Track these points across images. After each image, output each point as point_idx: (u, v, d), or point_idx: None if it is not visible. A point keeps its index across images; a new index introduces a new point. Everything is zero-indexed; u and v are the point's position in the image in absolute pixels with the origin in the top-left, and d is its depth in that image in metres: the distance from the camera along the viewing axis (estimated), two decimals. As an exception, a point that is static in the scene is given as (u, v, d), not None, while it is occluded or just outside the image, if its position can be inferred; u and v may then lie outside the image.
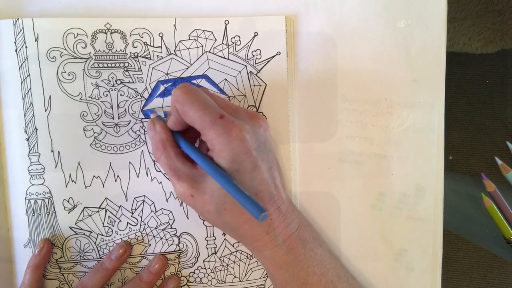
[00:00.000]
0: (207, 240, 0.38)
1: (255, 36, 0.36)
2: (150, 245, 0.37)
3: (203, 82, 0.36)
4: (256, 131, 0.31)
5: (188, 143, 0.32)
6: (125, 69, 0.36)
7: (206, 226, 0.38)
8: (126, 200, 0.37)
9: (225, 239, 0.38)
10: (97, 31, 0.35)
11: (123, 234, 0.37)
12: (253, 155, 0.30)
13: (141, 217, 0.37)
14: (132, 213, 0.37)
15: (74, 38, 0.35)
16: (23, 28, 0.35)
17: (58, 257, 0.37)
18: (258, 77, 0.37)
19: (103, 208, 0.37)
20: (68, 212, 0.36)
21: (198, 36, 0.36)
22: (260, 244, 0.32)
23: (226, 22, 0.36)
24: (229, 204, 0.30)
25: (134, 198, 0.37)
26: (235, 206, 0.30)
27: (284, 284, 0.33)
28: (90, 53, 0.35)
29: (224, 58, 0.36)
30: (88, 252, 0.37)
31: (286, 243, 0.32)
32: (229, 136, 0.29)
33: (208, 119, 0.29)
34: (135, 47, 0.36)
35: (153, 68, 0.36)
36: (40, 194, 0.36)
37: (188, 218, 0.37)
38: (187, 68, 0.36)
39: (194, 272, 0.38)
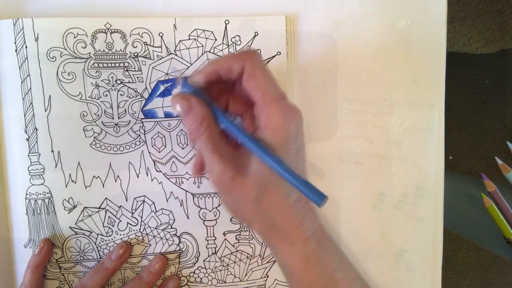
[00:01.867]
0: (207, 240, 0.38)
1: (255, 36, 0.36)
2: (150, 245, 0.37)
3: (203, 82, 0.36)
4: (300, 120, 0.30)
5: (233, 123, 0.30)
6: (125, 69, 0.36)
7: (206, 226, 0.38)
8: (126, 200, 0.37)
9: (225, 239, 0.38)
10: (97, 31, 0.35)
11: (123, 234, 0.37)
12: (300, 140, 0.30)
13: (141, 217, 0.37)
14: (132, 213, 0.37)
15: (74, 38, 0.35)
16: (23, 28, 0.35)
17: (58, 257, 0.37)
18: (258, 77, 0.37)
19: (103, 208, 0.37)
20: (68, 212, 0.36)
21: (198, 36, 0.36)
22: (293, 236, 0.30)
23: (226, 22, 0.36)
24: (272, 190, 0.29)
25: (134, 198, 0.37)
26: (277, 192, 0.29)
27: (311, 281, 0.31)
28: (90, 53, 0.35)
29: (224, 58, 0.36)
30: (88, 252, 0.37)
31: (315, 236, 0.31)
32: (288, 116, 0.28)
33: (275, 93, 0.28)
34: (135, 47, 0.36)
35: (153, 68, 0.36)
36: (40, 194, 0.36)
37: (188, 218, 0.37)
38: (187, 68, 0.36)
39: (194, 272, 0.38)
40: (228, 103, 0.33)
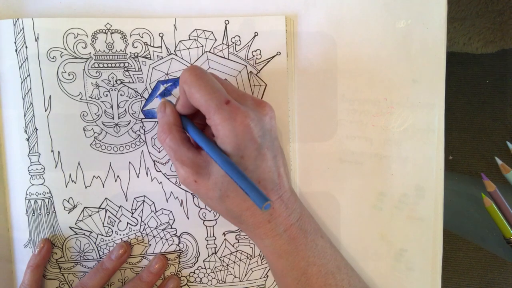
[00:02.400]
0: (207, 240, 0.38)
1: (255, 36, 0.36)
2: (150, 245, 0.37)
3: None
4: (262, 119, 0.30)
5: (195, 127, 0.32)
6: (125, 69, 0.36)
7: (206, 226, 0.38)
8: (126, 200, 0.37)
9: (225, 239, 0.38)
10: (97, 31, 0.35)
11: (123, 234, 0.37)
12: (257, 142, 0.30)
13: (141, 217, 0.37)
14: (132, 213, 0.37)
15: (74, 38, 0.35)
16: (23, 28, 0.35)
17: (58, 257, 0.37)
18: (258, 77, 0.37)
19: (103, 208, 0.37)
20: (68, 212, 0.36)
21: (198, 36, 0.36)
22: (261, 232, 0.32)
23: (226, 22, 0.36)
24: (232, 191, 0.30)
25: (134, 198, 0.37)
26: (238, 193, 0.31)
27: (283, 273, 0.33)
28: (90, 53, 0.35)
29: (224, 58, 0.36)
30: (88, 252, 0.37)
31: (287, 233, 0.32)
32: (234, 122, 0.28)
33: (214, 104, 0.29)
34: (135, 47, 0.36)
35: (153, 68, 0.36)
36: (40, 194, 0.36)
37: (188, 218, 0.37)
38: (187, 68, 0.36)
39: (194, 272, 0.38)
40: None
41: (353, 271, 0.35)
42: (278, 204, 0.32)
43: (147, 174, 0.37)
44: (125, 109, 0.36)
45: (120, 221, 0.37)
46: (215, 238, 0.38)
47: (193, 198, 0.37)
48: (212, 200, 0.31)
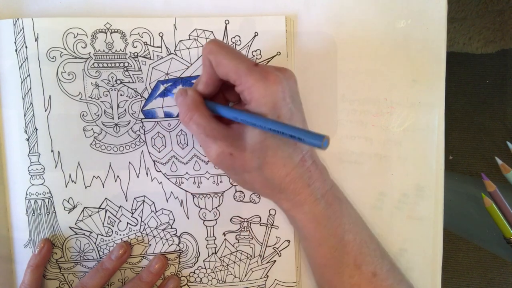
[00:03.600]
0: (207, 240, 0.38)
1: (255, 36, 0.36)
2: (150, 245, 0.37)
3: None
4: (288, 81, 0.30)
5: (221, 105, 0.31)
6: (125, 69, 0.36)
7: (206, 226, 0.38)
8: (126, 200, 0.37)
9: (225, 239, 0.38)
10: (97, 31, 0.35)
11: (123, 234, 0.37)
12: (290, 102, 0.30)
13: (141, 217, 0.37)
14: (132, 213, 0.37)
15: (74, 38, 0.35)
16: (23, 28, 0.35)
17: (58, 257, 0.37)
18: (258, 77, 0.37)
19: (103, 208, 0.37)
20: (68, 212, 0.36)
21: (198, 36, 0.36)
22: (301, 198, 0.32)
23: (226, 22, 0.36)
24: (271, 157, 0.30)
25: (134, 198, 0.37)
26: (277, 157, 0.30)
27: (321, 241, 0.33)
28: (90, 53, 0.35)
29: (224, 58, 0.36)
30: (88, 252, 0.37)
31: (325, 198, 0.32)
32: (267, 81, 0.28)
33: (244, 67, 0.28)
34: (135, 47, 0.36)
35: (153, 68, 0.36)
36: (40, 194, 0.36)
37: (188, 218, 0.37)
38: (187, 68, 0.36)
39: (194, 272, 0.38)
40: (225, 95, 0.34)
41: (381, 244, 0.36)
42: (313, 168, 0.32)
43: (147, 174, 0.37)
44: (125, 109, 0.36)
45: (120, 221, 0.37)
46: (215, 238, 0.38)
47: (193, 198, 0.37)
48: (250, 173, 0.31)
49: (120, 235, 0.37)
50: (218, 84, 0.31)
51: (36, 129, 0.35)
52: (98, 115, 0.36)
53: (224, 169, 0.33)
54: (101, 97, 0.36)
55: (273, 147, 0.30)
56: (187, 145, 0.37)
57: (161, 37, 0.36)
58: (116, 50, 0.36)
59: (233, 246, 0.38)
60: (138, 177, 0.37)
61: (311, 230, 0.33)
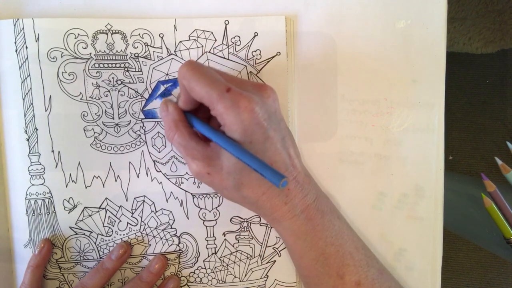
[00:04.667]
0: (207, 240, 0.38)
1: (255, 36, 0.36)
2: (150, 245, 0.37)
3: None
4: (265, 102, 0.30)
5: (200, 120, 0.32)
6: (126, 69, 0.36)
7: (206, 226, 0.38)
8: (126, 200, 0.37)
9: (225, 239, 0.38)
10: (98, 31, 0.35)
11: (123, 234, 0.37)
12: (264, 125, 0.29)
13: (141, 217, 0.37)
14: (132, 213, 0.37)
15: (75, 38, 0.35)
16: (23, 28, 0.35)
17: (58, 257, 0.37)
18: (258, 77, 0.37)
19: (103, 208, 0.37)
20: (68, 212, 0.36)
21: (198, 37, 0.36)
22: (279, 215, 0.32)
23: (226, 22, 0.36)
24: (246, 177, 0.31)
25: (134, 198, 0.37)
26: (252, 178, 0.31)
27: (301, 254, 0.33)
28: (90, 53, 0.35)
29: (224, 58, 0.36)
30: (88, 252, 0.37)
31: (304, 213, 0.32)
32: (237, 108, 0.28)
33: (215, 93, 0.28)
34: (135, 48, 0.36)
35: (153, 68, 0.36)
36: (40, 194, 0.36)
37: (188, 218, 0.37)
38: (187, 68, 0.36)
39: (194, 272, 0.38)
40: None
41: (370, 252, 0.36)
42: (293, 185, 0.32)
43: (147, 174, 0.37)
44: (126, 109, 0.36)
45: (120, 221, 0.37)
46: (215, 238, 0.38)
47: (193, 198, 0.37)
48: (228, 190, 0.31)
49: (120, 235, 0.37)
50: (197, 103, 0.32)
51: (37, 129, 0.35)
52: (99, 115, 0.36)
53: (207, 185, 0.34)
54: (101, 97, 0.36)
55: (247, 168, 0.30)
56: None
57: (162, 37, 0.36)
58: (116, 51, 0.36)
59: (233, 246, 0.38)
60: (138, 177, 0.37)
61: (291, 243, 0.33)
